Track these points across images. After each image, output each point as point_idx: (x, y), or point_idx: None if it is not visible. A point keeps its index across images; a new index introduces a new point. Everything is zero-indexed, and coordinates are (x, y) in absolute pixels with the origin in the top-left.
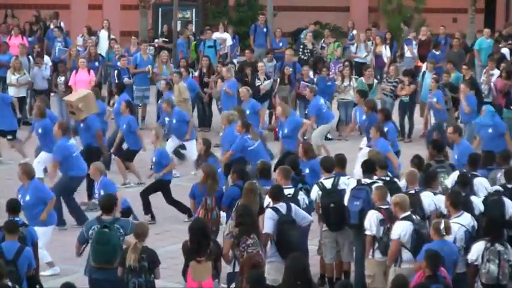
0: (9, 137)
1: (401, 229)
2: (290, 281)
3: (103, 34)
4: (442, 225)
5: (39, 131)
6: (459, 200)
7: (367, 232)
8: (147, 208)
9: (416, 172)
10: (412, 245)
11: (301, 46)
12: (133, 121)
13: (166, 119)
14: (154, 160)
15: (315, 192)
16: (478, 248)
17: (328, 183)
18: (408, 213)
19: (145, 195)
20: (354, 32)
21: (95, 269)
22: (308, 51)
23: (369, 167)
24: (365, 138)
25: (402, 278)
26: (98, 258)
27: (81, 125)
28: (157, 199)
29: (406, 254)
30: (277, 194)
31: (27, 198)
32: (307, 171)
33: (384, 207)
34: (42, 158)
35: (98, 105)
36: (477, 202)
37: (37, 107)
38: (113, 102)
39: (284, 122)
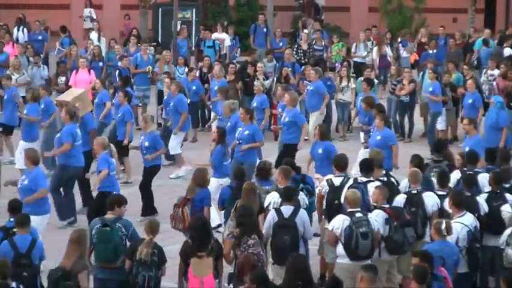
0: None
1: (336, 221)
2: (291, 281)
3: (93, 36)
4: (444, 225)
5: (24, 112)
6: (462, 200)
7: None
8: (148, 203)
9: (418, 172)
10: (345, 240)
11: (295, 47)
12: (129, 112)
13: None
14: (146, 145)
15: (324, 187)
16: (506, 233)
17: (337, 181)
18: (355, 209)
19: (145, 187)
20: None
21: (99, 269)
22: (301, 51)
23: (366, 166)
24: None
25: (422, 268)
26: (99, 257)
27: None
28: (156, 200)
29: (339, 249)
30: (287, 196)
31: (26, 182)
32: (320, 151)
33: (387, 206)
34: (21, 147)
35: (104, 95)
36: (482, 202)
37: (31, 92)
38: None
39: (289, 110)
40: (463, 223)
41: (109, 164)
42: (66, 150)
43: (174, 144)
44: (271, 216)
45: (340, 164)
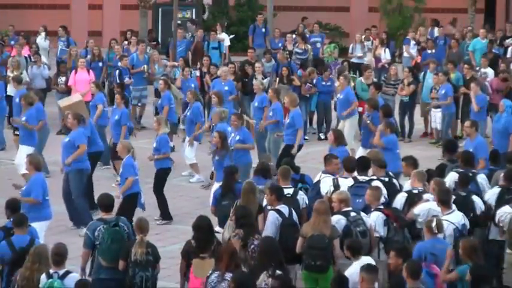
0: (17, 132)
1: (335, 218)
2: (264, 262)
3: (40, 40)
4: (434, 223)
5: (23, 118)
6: (448, 197)
7: (375, 234)
8: (163, 206)
9: (424, 173)
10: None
11: (282, 48)
12: (126, 115)
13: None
14: (154, 146)
15: (327, 186)
16: None
17: (343, 182)
18: (348, 208)
19: (157, 190)
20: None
21: (103, 269)
22: (287, 52)
23: (363, 165)
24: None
25: (416, 263)
26: (113, 257)
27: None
28: (155, 199)
29: (337, 248)
30: (279, 195)
31: (24, 187)
32: None
33: (381, 206)
34: (25, 152)
35: (99, 97)
36: (478, 201)
37: (25, 96)
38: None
39: (290, 112)
40: (449, 221)
41: (134, 168)
42: (83, 151)
43: (189, 154)
44: (275, 217)
45: (348, 166)
